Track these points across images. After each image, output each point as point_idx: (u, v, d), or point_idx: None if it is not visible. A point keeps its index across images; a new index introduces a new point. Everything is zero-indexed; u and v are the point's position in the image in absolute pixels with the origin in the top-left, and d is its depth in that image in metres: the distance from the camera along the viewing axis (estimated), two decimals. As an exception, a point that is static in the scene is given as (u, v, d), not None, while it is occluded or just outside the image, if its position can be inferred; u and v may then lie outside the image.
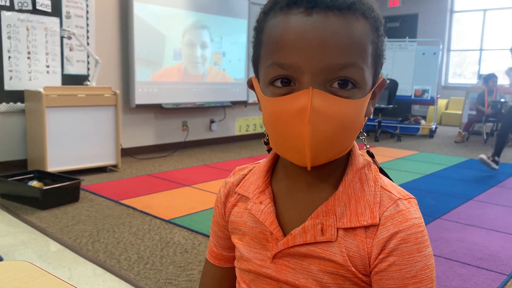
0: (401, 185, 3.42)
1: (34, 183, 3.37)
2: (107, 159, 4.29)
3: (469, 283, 2.15)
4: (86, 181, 3.82)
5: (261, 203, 0.64)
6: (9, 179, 3.36)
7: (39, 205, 3.10)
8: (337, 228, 0.58)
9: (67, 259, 2.35)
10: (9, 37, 4.02)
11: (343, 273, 0.58)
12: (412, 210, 0.58)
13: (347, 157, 0.62)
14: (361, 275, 0.58)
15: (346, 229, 0.58)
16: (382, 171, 0.64)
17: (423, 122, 7.83)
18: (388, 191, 0.60)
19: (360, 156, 0.63)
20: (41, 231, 2.72)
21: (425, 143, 6.78)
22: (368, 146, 0.65)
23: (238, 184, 0.70)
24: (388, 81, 7.64)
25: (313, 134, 0.53)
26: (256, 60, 0.61)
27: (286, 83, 0.55)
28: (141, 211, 3.10)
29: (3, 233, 2.70)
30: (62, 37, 4.29)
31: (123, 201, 3.31)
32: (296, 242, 0.60)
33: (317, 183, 0.61)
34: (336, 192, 0.59)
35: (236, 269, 0.69)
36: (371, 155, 0.64)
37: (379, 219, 0.57)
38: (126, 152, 4.87)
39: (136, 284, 2.07)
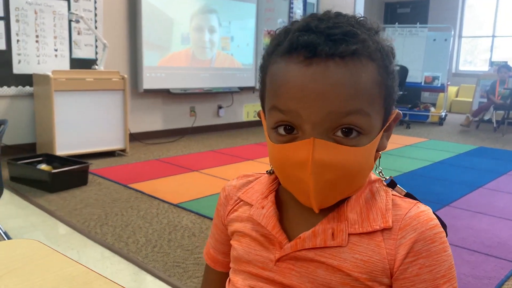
0: (410, 173, 3.38)
1: (43, 167, 3.39)
2: (115, 144, 4.30)
3: (477, 270, 2.14)
4: (94, 165, 3.83)
5: (263, 207, 0.63)
6: (19, 163, 3.38)
7: (48, 188, 3.12)
8: (349, 234, 0.57)
9: (76, 242, 2.37)
10: (17, 21, 4.01)
11: (350, 281, 0.56)
12: (430, 212, 0.58)
13: None
14: (372, 282, 0.56)
15: (359, 234, 0.57)
16: (409, 195, 0.63)
17: (432, 109, 7.75)
18: (402, 198, 0.60)
19: (372, 173, 0.62)
20: (50, 213, 2.74)
21: (434, 131, 6.73)
22: (386, 177, 0.63)
23: (240, 188, 0.68)
24: (398, 67, 7.65)
25: (316, 184, 0.54)
26: (262, 97, 0.61)
27: (289, 130, 0.54)
28: (149, 195, 3.11)
29: (12, 215, 2.72)
30: (70, 21, 4.27)
31: (131, 185, 3.32)
32: (306, 245, 0.58)
33: None
34: (349, 200, 0.59)
35: (231, 271, 0.67)
36: (394, 184, 0.62)
37: (395, 222, 0.57)
38: (134, 137, 4.88)
39: (144, 266, 2.08)
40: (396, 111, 0.60)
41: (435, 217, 0.58)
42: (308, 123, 0.52)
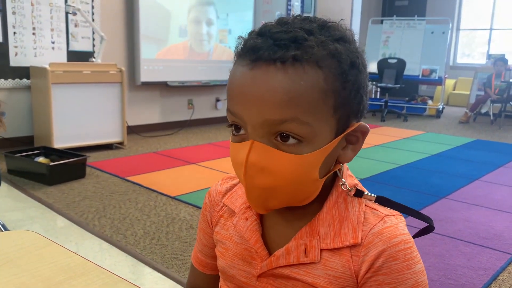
0: (407, 165, 3.39)
1: (41, 159, 3.39)
2: (113, 136, 4.30)
3: (473, 261, 2.15)
4: (92, 158, 3.83)
5: (247, 219, 0.63)
6: (16, 155, 3.38)
7: (46, 181, 3.13)
8: (321, 249, 0.57)
9: (74, 234, 2.38)
10: (13, 13, 3.99)
11: None
12: (400, 226, 0.57)
13: (333, 178, 0.61)
14: None
15: (331, 250, 0.57)
16: (382, 200, 0.60)
17: (430, 102, 7.76)
18: (374, 208, 0.59)
19: (348, 177, 0.61)
20: (48, 206, 2.74)
21: (431, 123, 6.74)
22: (351, 189, 0.59)
23: (225, 194, 0.69)
24: (395, 60, 7.42)
25: (250, 187, 0.54)
26: None
27: (239, 129, 0.56)
28: (147, 188, 3.11)
29: (11, 208, 2.73)
30: (67, 13, 4.24)
31: (129, 178, 3.32)
32: (280, 263, 0.59)
33: None
34: (320, 213, 0.58)
35: (221, 279, 0.69)
36: (360, 193, 0.60)
37: (363, 238, 0.56)
38: (132, 130, 4.88)
39: (142, 258, 2.09)
40: (360, 123, 0.57)
41: (402, 231, 0.56)
42: (249, 126, 0.53)
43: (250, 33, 0.57)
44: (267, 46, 0.52)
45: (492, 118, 6.86)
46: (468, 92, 7.96)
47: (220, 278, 0.69)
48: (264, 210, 0.58)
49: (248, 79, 0.53)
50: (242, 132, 0.55)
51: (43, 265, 0.68)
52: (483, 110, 7.08)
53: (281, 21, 0.55)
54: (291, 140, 0.52)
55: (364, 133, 0.59)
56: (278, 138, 0.53)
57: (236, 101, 0.54)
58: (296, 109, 0.51)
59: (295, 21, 0.55)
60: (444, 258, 2.18)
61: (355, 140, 0.59)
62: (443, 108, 7.61)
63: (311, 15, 4.29)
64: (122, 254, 2.15)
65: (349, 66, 0.54)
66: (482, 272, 2.05)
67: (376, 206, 0.59)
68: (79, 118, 4.03)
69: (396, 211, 0.59)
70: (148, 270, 2.02)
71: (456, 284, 1.95)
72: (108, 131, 4.26)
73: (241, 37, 0.58)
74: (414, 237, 0.61)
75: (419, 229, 0.64)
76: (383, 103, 7.09)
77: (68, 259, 0.71)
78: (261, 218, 0.63)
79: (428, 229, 0.62)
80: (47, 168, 3.12)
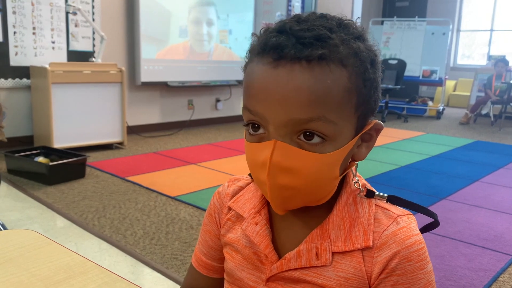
0: (407, 166, 3.38)
1: (41, 159, 3.38)
2: (113, 136, 4.29)
3: (474, 262, 2.15)
4: (92, 158, 3.83)
5: (256, 224, 0.62)
6: (16, 155, 3.38)
7: (46, 181, 3.12)
8: (332, 252, 0.57)
9: (74, 234, 2.37)
10: (14, 12, 3.99)
11: None
12: (413, 226, 0.57)
13: (342, 179, 0.60)
14: None
15: (342, 253, 0.57)
16: (393, 198, 0.60)
17: (430, 103, 7.76)
18: (386, 208, 0.59)
19: (358, 177, 0.61)
20: (48, 206, 2.74)
21: (432, 125, 6.73)
22: (363, 190, 0.60)
23: (233, 196, 0.68)
24: (396, 61, 7.42)
25: (272, 187, 0.53)
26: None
27: (257, 128, 0.55)
28: (147, 188, 3.11)
29: (10, 207, 2.72)
30: (67, 13, 4.24)
31: (129, 178, 3.32)
32: (290, 266, 0.59)
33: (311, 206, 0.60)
34: (330, 215, 0.58)
35: (226, 282, 0.68)
36: (372, 194, 0.60)
37: (375, 240, 0.56)
38: (132, 130, 4.87)
39: (141, 259, 2.09)
40: (375, 121, 0.58)
41: (415, 232, 0.57)
42: (272, 125, 0.52)
43: (266, 30, 0.55)
44: (291, 44, 0.51)
45: (492, 119, 6.85)
46: (469, 93, 7.95)
47: (225, 281, 0.68)
48: (283, 211, 0.57)
49: (272, 78, 0.51)
50: (261, 131, 0.54)
51: (42, 264, 0.68)
52: (484, 111, 7.07)
53: (298, 18, 0.54)
54: (316, 139, 0.52)
55: (378, 130, 0.59)
56: (302, 137, 0.52)
57: (258, 100, 0.53)
58: (322, 108, 0.51)
59: (313, 18, 0.54)
60: (444, 259, 2.18)
61: (368, 138, 0.59)
62: (443, 109, 7.61)
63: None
64: (122, 254, 2.15)
65: (369, 64, 0.54)
66: (483, 274, 2.05)
67: (387, 205, 0.60)
68: (79, 118, 4.03)
69: (407, 211, 0.60)
70: (147, 270, 2.01)
71: (457, 285, 1.94)
72: (108, 131, 4.25)
73: (255, 34, 0.57)
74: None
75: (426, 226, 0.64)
76: (383, 104, 7.08)
77: (68, 258, 0.71)
78: (270, 223, 0.63)
79: (433, 225, 0.63)
80: (46, 168, 3.12)
